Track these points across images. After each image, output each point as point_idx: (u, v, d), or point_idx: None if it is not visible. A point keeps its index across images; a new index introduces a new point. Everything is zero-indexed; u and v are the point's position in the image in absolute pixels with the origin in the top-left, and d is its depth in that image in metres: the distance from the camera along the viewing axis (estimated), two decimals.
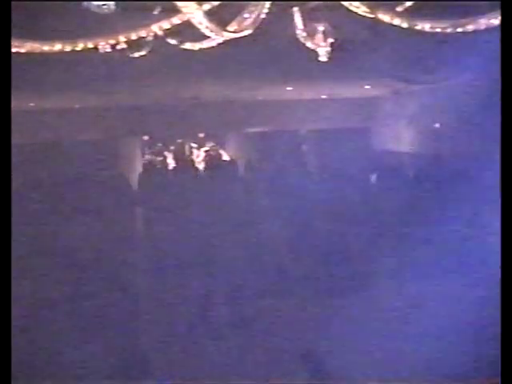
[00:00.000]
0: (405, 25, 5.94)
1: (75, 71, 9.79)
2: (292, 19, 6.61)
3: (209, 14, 5.79)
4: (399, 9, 5.99)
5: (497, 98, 4.37)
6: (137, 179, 15.41)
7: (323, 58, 6.99)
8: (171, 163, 20.35)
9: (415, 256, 9.82)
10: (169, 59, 8.50)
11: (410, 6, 6.00)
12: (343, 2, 5.78)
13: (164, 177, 14.66)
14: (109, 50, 6.23)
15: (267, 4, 5.95)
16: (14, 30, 4.65)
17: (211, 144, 21.46)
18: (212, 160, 19.93)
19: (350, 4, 5.76)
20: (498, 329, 3.58)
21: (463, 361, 5.99)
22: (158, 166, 19.29)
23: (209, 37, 6.33)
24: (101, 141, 17.89)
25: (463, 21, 5.67)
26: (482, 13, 5.46)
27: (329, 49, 6.87)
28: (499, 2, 4.56)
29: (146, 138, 20.63)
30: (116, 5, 5.95)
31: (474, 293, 8.23)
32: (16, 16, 4.62)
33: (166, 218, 10.05)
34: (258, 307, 7.75)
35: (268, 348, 6.61)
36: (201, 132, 20.78)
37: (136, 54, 6.89)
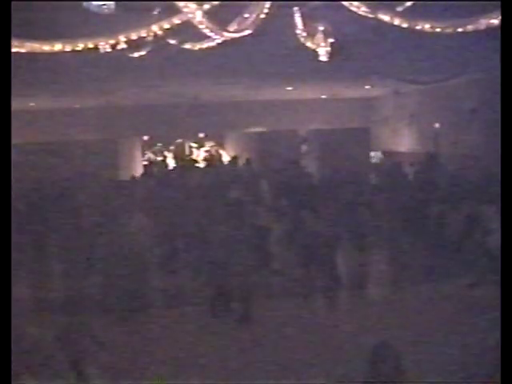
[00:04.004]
0: (405, 25, 5.93)
1: (75, 71, 9.79)
2: (292, 19, 6.60)
3: (209, 14, 5.79)
4: (399, 9, 5.99)
5: (497, 98, 4.37)
6: (137, 179, 15.39)
7: (323, 57, 6.99)
8: (171, 163, 20.34)
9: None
10: (169, 59, 8.49)
11: (409, 6, 6.00)
12: (343, 2, 5.77)
13: (164, 176, 14.63)
14: (109, 49, 6.23)
15: (267, 4, 5.95)
16: (14, 30, 4.66)
17: (211, 144, 21.46)
18: (212, 160, 19.95)
19: (350, 4, 5.76)
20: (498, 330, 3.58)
21: (464, 361, 6.00)
22: (158, 166, 19.28)
23: (209, 37, 6.32)
24: (101, 141, 17.89)
25: (463, 21, 5.67)
26: (481, 13, 5.46)
27: (329, 49, 6.87)
28: (499, 2, 4.57)
29: (145, 138, 20.63)
30: (116, 5, 5.95)
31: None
32: (16, 16, 4.62)
33: (165, 217, 10.04)
34: None
35: None
36: (201, 132, 20.77)
37: (136, 54, 6.89)
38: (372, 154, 18.23)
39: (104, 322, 7.15)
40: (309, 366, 6.22)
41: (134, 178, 14.06)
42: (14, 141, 6.74)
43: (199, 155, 21.19)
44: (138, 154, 20.51)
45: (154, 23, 6.05)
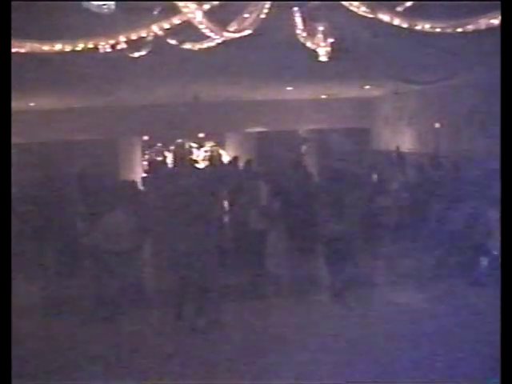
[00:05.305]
0: (405, 25, 5.92)
1: (75, 71, 9.78)
2: (292, 19, 6.60)
3: (209, 14, 5.78)
4: (399, 9, 5.98)
5: (496, 98, 4.37)
6: (136, 179, 15.37)
7: (323, 58, 6.98)
8: (171, 163, 20.34)
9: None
10: (169, 59, 8.50)
11: (409, 6, 5.99)
12: (343, 2, 5.77)
13: (164, 176, 14.62)
14: (109, 49, 6.22)
15: (267, 4, 5.94)
16: (14, 30, 4.65)
17: (211, 144, 21.47)
18: (212, 160, 19.95)
19: (350, 4, 5.75)
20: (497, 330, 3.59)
21: (463, 361, 6.01)
22: (158, 166, 19.26)
23: (209, 37, 6.31)
24: (101, 141, 17.90)
25: (463, 21, 5.66)
26: (482, 13, 5.45)
27: (329, 49, 6.86)
28: (499, 2, 4.56)
29: (145, 138, 20.63)
30: (116, 5, 5.94)
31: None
32: (16, 16, 4.62)
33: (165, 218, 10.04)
34: None
35: None
36: (201, 132, 20.78)
37: (136, 54, 6.89)
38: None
39: None
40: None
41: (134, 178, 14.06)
42: (14, 141, 6.74)
43: (199, 155, 21.21)
44: (138, 154, 20.53)
45: (153, 23, 6.04)
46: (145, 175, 16.37)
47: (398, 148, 17.27)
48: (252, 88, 15.32)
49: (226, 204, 10.48)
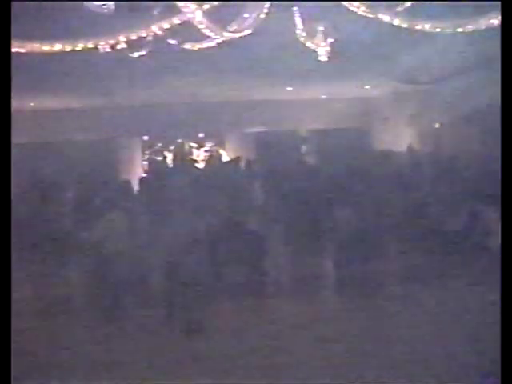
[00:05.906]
0: (405, 25, 5.94)
1: (75, 71, 9.79)
2: (292, 19, 6.61)
3: (209, 14, 5.79)
4: (399, 9, 5.99)
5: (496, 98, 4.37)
6: (137, 179, 15.38)
7: (323, 57, 6.99)
8: (171, 163, 20.29)
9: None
10: (169, 59, 8.50)
11: (409, 6, 6.00)
12: (343, 2, 5.78)
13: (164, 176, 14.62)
14: (109, 49, 6.23)
15: (267, 4, 5.95)
16: (14, 30, 4.66)
17: (211, 144, 21.45)
18: (212, 160, 19.93)
19: (350, 4, 5.77)
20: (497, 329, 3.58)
21: (463, 361, 6.00)
22: (158, 166, 19.25)
23: (209, 37, 6.33)
24: (101, 141, 17.88)
25: (463, 21, 5.68)
26: (482, 13, 5.46)
27: (329, 49, 6.87)
28: (499, 2, 4.57)
29: (145, 138, 20.61)
30: (116, 5, 5.95)
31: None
32: (16, 16, 4.62)
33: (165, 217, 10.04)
34: None
35: None
36: (201, 132, 20.76)
37: (136, 54, 6.89)
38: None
39: None
40: None
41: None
42: (14, 141, 6.74)
43: (199, 155, 21.18)
44: (138, 154, 20.51)
45: (153, 23, 6.05)
46: (145, 175, 16.40)
47: (409, 147, 17.19)
48: (252, 88, 15.32)
49: (226, 204, 10.44)
